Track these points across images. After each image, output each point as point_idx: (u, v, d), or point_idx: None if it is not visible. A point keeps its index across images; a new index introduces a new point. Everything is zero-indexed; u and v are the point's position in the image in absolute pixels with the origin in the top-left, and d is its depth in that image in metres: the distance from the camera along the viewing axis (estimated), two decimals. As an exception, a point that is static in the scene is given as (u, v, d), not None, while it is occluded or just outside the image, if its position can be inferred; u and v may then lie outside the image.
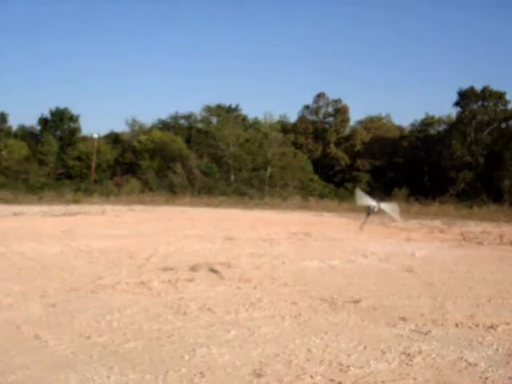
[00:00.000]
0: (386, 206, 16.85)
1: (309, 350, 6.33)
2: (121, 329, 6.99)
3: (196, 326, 7.18)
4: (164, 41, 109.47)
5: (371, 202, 16.59)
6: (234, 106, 58.18)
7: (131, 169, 48.67)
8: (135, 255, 13.48)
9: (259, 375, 5.48)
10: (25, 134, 55.94)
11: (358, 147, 57.11)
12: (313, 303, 8.77)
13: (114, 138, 57.30)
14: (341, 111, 60.25)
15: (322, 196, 45.26)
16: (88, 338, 6.59)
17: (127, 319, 7.44)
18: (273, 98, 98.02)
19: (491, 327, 7.60)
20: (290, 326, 7.38)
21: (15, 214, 25.87)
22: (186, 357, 5.97)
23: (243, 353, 6.18)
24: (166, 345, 6.38)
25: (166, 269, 11.54)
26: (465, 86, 51.86)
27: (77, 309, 7.98)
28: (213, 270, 11.36)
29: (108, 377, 5.33)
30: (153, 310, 8.02)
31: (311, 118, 61.41)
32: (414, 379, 5.54)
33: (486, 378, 5.63)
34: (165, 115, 60.94)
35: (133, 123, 60.65)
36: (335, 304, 8.76)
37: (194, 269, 11.59)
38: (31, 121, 58.96)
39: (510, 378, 5.67)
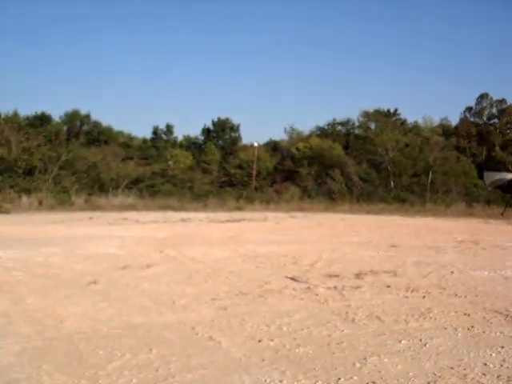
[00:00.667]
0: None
1: (485, 364, 6.07)
2: (291, 333, 7.11)
3: (365, 334, 7.14)
4: (318, 48, 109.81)
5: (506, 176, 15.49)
6: (392, 110, 57.21)
7: (290, 176, 49.34)
8: (299, 261, 13.67)
9: (434, 388, 5.35)
10: (189, 144, 58.52)
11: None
12: (486, 315, 8.39)
13: (273, 146, 58.41)
14: (506, 112, 57.16)
15: (487, 202, 43.16)
16: (259, 341, 6.77)
17: (296, 324, 7.56)
18: (432, 101, 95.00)
19: None
20: (464, 338, 7.12)
21: (183, 220, 27.25)
22: (358, 365, 5.96)
23: (416, 364, 6.05)
24: (337, 352, 6.40)
25: (330, 275, 11.58)
26: None
27: (247, 312, 8.24)
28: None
29: (280, 380, 5.45)
30: (321, 316, 8.08)
31: (474, 120, 58.88)
32: None
33: None
34: (322, 122, 61.26)
35: (291, 131, 61.50)
36: (510, 317, 8.32)
37: (359, 276, 11.54)
38: (195, 131, 61.65)
39: None
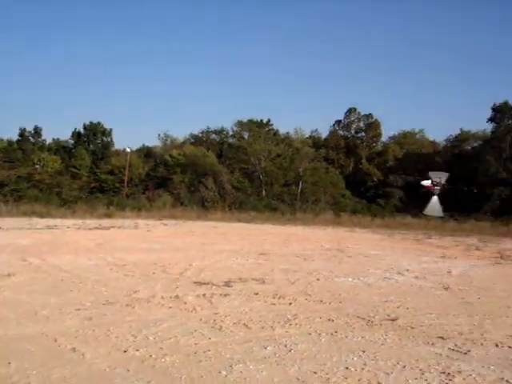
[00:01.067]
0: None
1: (347, 368, 6.26)
2: (157, 343, 6.99)
3: (232, 342, 7.15)
4: (191, 52, 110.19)
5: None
6: (265, 120, 58.26)
7: (163, 183, 48.92)
8: (169, 269, 13.53)
9: (298, 393, 5.44)
10: (58, 148, 56.62)
11: (391, 163, 56.73)
12: (349, 321, 8.68)
13: (146, 152, 57.75)
14: (372, 126, 60.02)
15: (354, 212, 44.98)
16: (125, 351, 6.61)
17: (164, 333, 7.45)
18: (304, 113, 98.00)
19: (532, 347, 7.43)
20: (327, 343, 7.31)
21: (49, 227, 26.21)
22: (224, 372, 5.95)
23: (281, 369, 6.13)
24: (203, 360, 6.36)
25: (200, 283, 11.56)
26: (499, 100, 51.33)
27: (113, 322, 8.02)
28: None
29: (146, 392, 5.34)
30: (189, 324, 8.02)
31: (342, 133, 61.31)
32: (456, 400, 5.44)
33: (530, 401, 5.51)
34: (197, 130, 61.34)
35: (165, 138, 61.20)
36: (372, 322, 8.66)
37: (228, 284, 11.59)
38: (65, 135, 59.74)
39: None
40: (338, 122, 61.15)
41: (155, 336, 7.30)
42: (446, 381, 5.98)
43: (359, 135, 61.13)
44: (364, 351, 6.96)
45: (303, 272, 13.91)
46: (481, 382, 5.99)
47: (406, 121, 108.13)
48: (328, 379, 5.87)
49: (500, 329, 8.55)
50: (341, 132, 61.37)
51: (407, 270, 15.10)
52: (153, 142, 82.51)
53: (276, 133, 58.84)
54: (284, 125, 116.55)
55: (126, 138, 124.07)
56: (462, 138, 56.50)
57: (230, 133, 58.61)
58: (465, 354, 7.06)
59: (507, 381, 6.05)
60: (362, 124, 60.91)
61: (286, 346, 7.07)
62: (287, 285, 11.93)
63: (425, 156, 56.50)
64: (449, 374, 6.21)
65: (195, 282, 11.67)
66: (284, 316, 8.75)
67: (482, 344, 7.57)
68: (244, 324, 8.13)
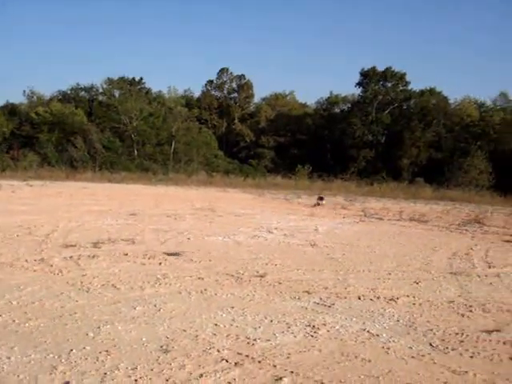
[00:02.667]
0: None
1: (216, 325, 6.32)
2: (21, 307, 6.70)
3: (100, 303, 7.00)
4: (59, 10, 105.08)
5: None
6: (137, 78, 56.96)
7: (29, 142, 46.65)
8: (35, 231, 12.97)
9: (166, 351, 5.42)
10: None
11: (263, 124, 57.54)
12: (219, 278, 8.76)
13: (10, 110, 54.66)
14: (244, 87, 60.39)
15: (226, 172, 45.38)
16: (-15, 317, 6.29)
17: (27, 297, 7.15)
18: (177, 72, 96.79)
19: (392, 299, 7.87)
20: (197, 301, 7.35)
21: None
22: (91, 334, 5.82)
23: (149, 329, 6.09)
24: (69, 323, 6.18)
25: (67, 245, 11.18)
26: (368, 66, 53.27)
27: (-28, 288, 7.60)
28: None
29: (8, 357, 5.11)
30: (54, 287, 7.75)
31: (215, 93, 61.23)
32: (319, 351, 5.65)
33: (388, 348, 5.82)
34: (65, 86, 58.86)
35: (30, 94, 58.19)
36: (241, 279, 8.80)
37: (96, 245, 11.30)
38: None
39: (410, 347, 5.90)
40: (211, 82, 60.98)
41: (18, 300, 6.99)
42: (311, 333, 6.20)
43: (232, 96, 61.33)
44: (233, 307, 7.07)
45: (174, 232, 13.85)
46: (344, 333, 6.25)
47: (278, 83, 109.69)
48: (197, 336, 5.90)
49: (363, 283, 8.98)
50: (213, 92, 61.26)
51: (276, 229, 15.46)
52: (18, 98, 78.40)
53: (148, 91, 57.79)
54: (157, 84, 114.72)
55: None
56: (332, 101, 58.27)
57: (101, 90, 56.81)
58: (329, 307, 7.35)
59: (368, 331, 6.36)
60: (234, 85, 61.11)
61: (155, 305, 7.03)
62: (157, 245, 11.84)
63: (296, 118, 57.81)
64: (314, 326, 6.44)
65: (62, 245, 11.27)
66: (154, 276, 8.68)
67: (345, 297, 7.91)
68: (112, 285, 7.98)
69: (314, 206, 14.55)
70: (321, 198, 14.35)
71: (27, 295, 7.27)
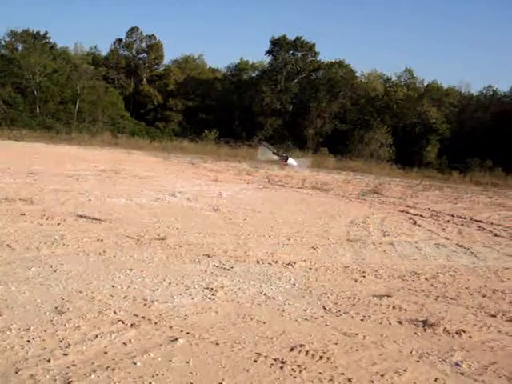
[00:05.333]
0: (294, 162, 16.44)
1: (113, 287, 6.28)
2: None
3: (-6, 263, 6.79)
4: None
5: (274, 157, 16.07)
6: (42, 33, 54.59)
7: None
8: None
9: (61, 312, 5.34)
10: None
11: (172, 87, 56.68)
12: (119, 240, 8.68)
13: None
14: (154, 48, 59.14)
15: (132, 134, 44.61)
16: None
17: None
18: (84, 29, 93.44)
19: (289, 264, 8.07)
20: (95, 262, 7.26)
21: None
22: (-18, 296, 5.65)
23: (44, 290, 5.97)
24: (-41, 282, 5.97)
25: (-40, 203, 10.73)
26: (278, 34, 53.38)
27: None
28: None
29: None
30: None
31: (124, 53, 59.67)
32: (216, 312, 5.73)
33: (283, 310, 5.99)
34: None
35: None
36: (141, 241, 8.75)
37: (-8, 204, 10.90)
38: None
39: (304, 310, 6.09)
40: (119, 40, 59.27)
41: None
42: (209, 295, 6.28)
43: (141, 56, 59.95)
44: (131, 269, 7.03)
45: (75, 192, 13.53)
46: (241, 296, 6.38)
47: (189, 47, 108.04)
48: (93, 298, 5.84)
49: (262, 247, 9.15)
50: (122, 52, 59.65)
51: (180, 192, 15.41)
52: None
53: (53, 47, 55.51)
54: (62, 39, 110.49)
55: None
56: (242, 67, 58.10)
57: (3, 43, 54.11)
58: (228, 270, 7.46)
59: (265, 294, 6.52)
60: (144, 45, 59.70)
61: (51, 266, 6.88)
62: (57, 205, 11.54)
63: (205, 82, 57.35)
64: (212, 288, 6.52)
65: (-46, 202, 10.81)
66: (51, 237, 8.49)
67: (244, 261, 8.04)
68: (7, 245, 7.74)
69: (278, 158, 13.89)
70: (285, 158, 13.48)
71: None
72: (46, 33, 54.91)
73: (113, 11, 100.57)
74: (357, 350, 5.10)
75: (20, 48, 51.99)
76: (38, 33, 54.15)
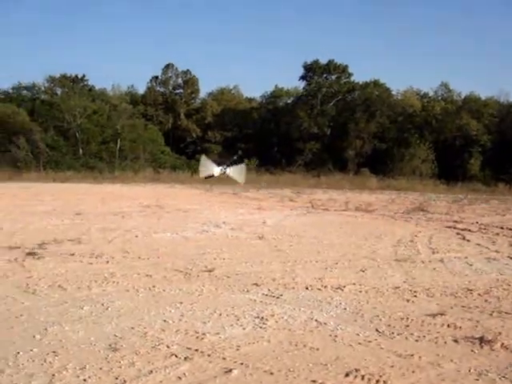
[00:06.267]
0: (232, 171, 16.31)
1: (164, 321, 6.33)
2: (-35, 312, 6.57)
3: (47, 305, 6.91)
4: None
5: (215, 169, 15.94)
6: (79, 76, 56.01)
7: (-31, 144, 45.49)
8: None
9: (115, 349, 5.40)
10: None
11: (209, 119, 57.38)
12: (167, 274, 8.75)
13: None
14: (190, 82, 60.10)
15: (173, 168, 45.16)
16: None
17: (-29, 302, 7.01)
18: (120, 69, 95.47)
19: (339, 288, 8.01)
20: (145, 298, 7.33)
21: None
22: (38, 336, 5.74)
23: (97, 328, 6.05)
24: (15, 326, 6.09)
25: (11, 247, 10.96)
26: (311, 59, 53.68)
27: None
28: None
29: (-46, 361, 5.02)
30: (-1, 290, 7.61)
31: (160, 89, 60.74)
32: (268, 341, 5.71)
33: (336, 336, 5.93)
34: (6, 85, 57.41)
35: (-31, 94, 56.55)
36: (189, 274, 8.80)
37: (41, 246, 11.12)
38: None
39: (357, 334, 6.02)
40: (155, 78, 60.44)
41: (-38, 305, 6.85)
42: (260, 324, 6.26)
43: (177, 92, 60.96)
44: (181, 303, 7.07)
45: (121, 230, 13.73)
46: (292, 323, 6.34)
47: (223, 78, 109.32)
48: (145, 333, 5.89)
49: (310, 273, 9.10)
50: (158, 88, 60.76)
51: (224, 223, 15.50)
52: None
53: (91, 89, 56.92)
54: (100, 81, 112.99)
55: None
56: (277, 94, 58.53)
57: (42, 89, 55.68)
58: (277, 298, 7.44)
59: (316, 320, 6.47)
60: (179, 80, 60.74)
61: (103, 304, 6.98)
62: (104, 243, 11.73)
63: (241, 112, 57.89)
64: (262, 317, 6.51)
65: (6, 247, 11.05)
66: (101, 275, 8.61)
67: (293, 288, 8.00)
68: (59, 286, 7.88)
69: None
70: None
71: (-29, 300, 7.12)
72: (84, 76, 56.38)
73: (148, 50, 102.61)
74: (413, 371, 5.01)
75: (59, 92, 53.40)
76: (76, 76, 55.61)
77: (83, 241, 11.99)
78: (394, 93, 54.31)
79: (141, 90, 62.09)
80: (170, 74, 60.39)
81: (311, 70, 53.01)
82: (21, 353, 5.27)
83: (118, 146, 48.23)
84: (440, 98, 53.21)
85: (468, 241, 13.17)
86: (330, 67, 52.76)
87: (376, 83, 53.12)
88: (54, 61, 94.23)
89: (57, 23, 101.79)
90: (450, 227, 15.67)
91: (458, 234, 14.35)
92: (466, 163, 44.42)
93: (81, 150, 47.43)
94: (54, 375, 4.78)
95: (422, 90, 54.99)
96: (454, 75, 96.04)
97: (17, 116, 47.49)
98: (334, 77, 53.32)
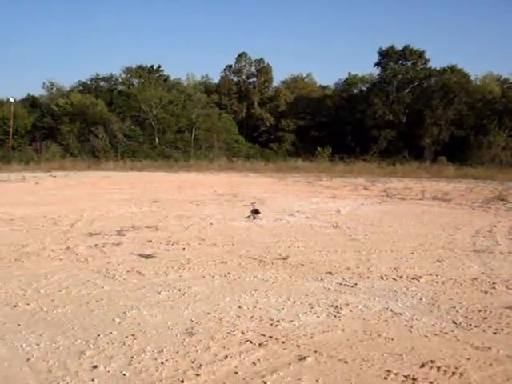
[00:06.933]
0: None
1: (239, 307, 6.40)
2: (48, 295, 6.84)
3: (125, 289, 7.12)
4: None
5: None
6: (155, 66, 57.04)
7: (51, 134, 47.03)
8: (59, 221, 13.16)
9: (191, 334, 5.51)
10: None
11: (283, 107, 57.37)
12: (242, 262, 8.84)
13: (31, 102, 55.04)
14: (263, 71, 60.22)
15: (247, 157, 45.38)
16: (15, 306, 6.41)
17: (54, 285, 7.29)
18: (195, 59, 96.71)
19: (414, 278, 7.89)
20: (220, 284, 7.44)
21: None
22: (117, 320, 5.93)
23: (174, 313, 6.19)
24: (96, 309, 6.30)
25: (91, 234, 11.34)
26: (386, 45, 52.76)
27: (1, 278, 7.74)
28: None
29: (37, 344, 5.23)
30: (80, 275, 7.88)
31: (234, 78, 61.14)
32: (342, 330, 5.69)
33: (411, 327, 5.85)
34: (84, 77, 59.17)
35: (50, 86, 58.54)
36: (264, 262, 8.87)
37: (120, 233, 11.45)
38: None
39: (433, 325, 5.92)
40: (229, 66, 60.90)
41: (46, 289, 7.13)
42: (334, 313, 6.25)
43: (251, 80, 61.21)
44: (256, 290, 7.14)
45: (197, 217, 13.95)
46: (366, 313, 6.29)
47: (296, 66, 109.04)
48: (221, 319, 5.98)
49: (385, 262, 8.99)
50: (232, 77, 61.17)
51: (298, 211, 15.50)
52: (37, 90, 78.81)
53: (167, 79, 57.87)
54: (175, 71, 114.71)
55: (9, 87, 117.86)
56: (350, 81, 57.87)
57: (120, 80, 57.03)
58: (352, 287, 7.39)
59: (391, 310, 6.40)
60: (253, 69, 60.96)
61: (179, 290, 7.12)
62: (181, 230, 11.96)
63: (315, 100, 57.59)
64: (337, 306, 6.49)
65: (86, 233, 11.44)
66: (178, 261, 8.79)
67: (368, 277, 7.94)
68: (137, 271, 8.10)
69: (248, 217, 13.69)
70: (256, 211, 13.37)
71: (54, 283, 7.40)
72: (159, 66, 57.36)
73: (221, 39, 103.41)
74: (491, 364, 4.89)
75: (136, 83, 54.53)
76: (151, 67, 56.64)
77: (160, 228, 12.26)
78: (472, 78, 52.76)
79: (215, 79, 62.80)
80: (243, 63, 60.72)
81: (387, 56, 52.09)
82: (101, 335, 5.46)
83: (193, 135, 48.88)
84: (521, 83, 51.36)
85: (551, 231, 12.69)
86: (406, 53, 51.67)
87: (453, 69, 51.65)
88: (130, 52, 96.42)
89: (133, 16, 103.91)
90: (531, 217, 15.14)
91: (540, 224, 13.84)
92: (548, 151, 42.71)
93: (157, 140, 48.35)
94: (132, 357, 4.93)
95: (501, 75, 53.19)
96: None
97: (95, 107, 48.83)
98: (409, 63, 52.19)
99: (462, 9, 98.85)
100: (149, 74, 54.69)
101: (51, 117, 49.17)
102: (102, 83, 57.44)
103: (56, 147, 44.09)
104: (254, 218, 13.67)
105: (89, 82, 57.19)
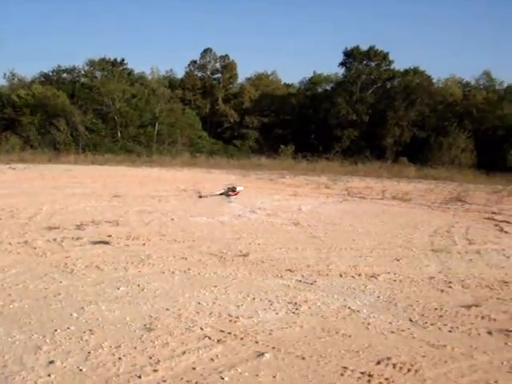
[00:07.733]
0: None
1: (198, 303, 6.42)
2: (5, 289, 6.76)
3: (84, 284, 7.07)
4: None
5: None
6: (119, 60, 56.34)
7: (11, 125, 46.08)
8: (18, 214, 12.94)
9: (150, 329, 5.50)
10: None
11: (247, 104, 57.27)
12: (202, 258, 8.85)
13: (-10, 93, 53.96)
14: (228, 67, 60.02)
15: (211, 153, 45.20)
16: (-30, 299, 6.32)
17: (11, 279, 7.20)
18: (159, 53, 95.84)
19: (373, 276, 8.01)
20: (180, 280, 7.43)
21: None
22: (75, 315, 5.89)
23: (133, 308, 6.18)
24: (53, 304, 6.25)
25: (50, 228, 11.19)
26: (351, 45, 53.11)
27: (-46, 271, 7.61)
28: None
29: (-9, 338, 5.17)
30: (38, 269, 7.80)
31: (199, 74, 60.83)
32: (301, 327, 5.75)
33: (369, 324, 5.94)
34: (46, 68, 58.11)
35: (11, 77, 57.37)
36: (224, 258, 8.88)
37: (80, 227, 11.32)
38: None
39: (390, 322, 6.02)
40: (194, 62, 60.50)
41: (2, 283, 7.04)
42: (293, 310, 6.31)
43: (215, 76, 60.97)
44: (216, 286, 7.16)
45: (158, 213, 13.88)
46: (325, 310, 6.37)
47: (261, 63, 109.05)
48: (180, 315, 5.99)
49: (344, 260, 9.10)
50: (197, 73, 60.85)
51: (260, 209, 15.54)
52: (-2, 81, 77.27)
53: (130, 72, 57.22)
54: (139, 65, 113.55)
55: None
56: (315, 80, 58.12)
57: (82, 72, 56.20)
58: (311, 284, 7.47)
59: (349, 307, 6.49)
60: (218, 65, 60.71)
61: (138, 285, 7.10)
62: (141, 226, 11.89)
63: (279, 98, 57.63)
64: (296, 303, 6.55)
65: (45, 227, 11.28)
66: (137, 256, 8.75)
67: (327, 275, 8.03)
68: (96, 266, 8.05)
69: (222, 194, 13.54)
70: (233, 190, 13.23)
71: (11, 277, 7.31)
72: (123, 59, 56.58)
73: (186, 34, 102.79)
74: (446, 361, 5.00)
75: (99, 76, 53.84)
76: (115, 60, 55.92)
77: (121, 223, 12.17)
78: (434, 81, 53.45)
79: (179, 74, 62.30)
80: (208, 59, 60.37)
81: (351, 56, 52.39)
82: (58, 330, 5.42)
83: (156, 130, 48.48)
84: (482, 87, 52.19)
85: (506, 232, 12.99)
86: (371, 54, 52.06)
87: (416, 71, 52.24)
88: (93, 44, 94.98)
89: (96, 8, 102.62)
90: (488, 218, 15.44)
91: (496, 225, 14.15)
92: (506, 154, 43.51)
93: (119, 134, 47.80)
94: (89, 353, 4.91)
95: (463, 78, 54.05)
96: (496, 64, 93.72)
97: (57, 99, 47.97)
98: (374, 64, 52.64)
99: (427, 12, 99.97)
100: (112, 67, 53.94)
101: (12, 108, 48.17)
102: (65, 75, 56.41)
103: (16, 139, 43.21)
104: (228, 196, 13.48)
105: (51, 74, 56.19)
